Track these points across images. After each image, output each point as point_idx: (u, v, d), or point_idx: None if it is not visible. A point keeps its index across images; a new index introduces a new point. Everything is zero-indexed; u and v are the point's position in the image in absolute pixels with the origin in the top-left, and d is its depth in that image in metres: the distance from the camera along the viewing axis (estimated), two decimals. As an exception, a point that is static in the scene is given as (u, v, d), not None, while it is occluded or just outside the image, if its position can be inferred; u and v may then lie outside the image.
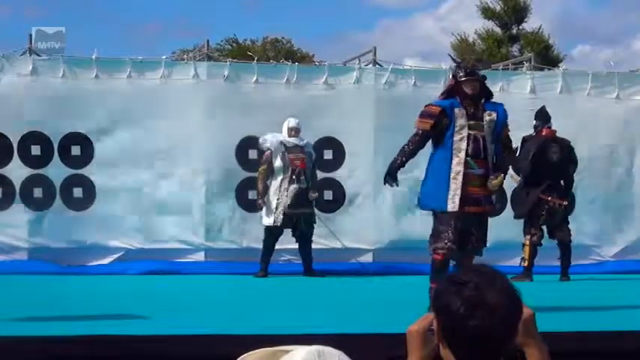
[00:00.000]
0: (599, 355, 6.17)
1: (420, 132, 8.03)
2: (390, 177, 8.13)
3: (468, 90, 7.98)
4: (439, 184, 7.91)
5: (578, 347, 6.22)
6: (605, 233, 12.61)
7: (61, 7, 50.25)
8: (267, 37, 37.50)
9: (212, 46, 20.47)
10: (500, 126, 7.98)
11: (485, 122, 7.93)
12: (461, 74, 8.06)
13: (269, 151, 11.48)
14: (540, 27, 29.55)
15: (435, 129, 7.95)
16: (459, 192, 7.82)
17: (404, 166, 8.17)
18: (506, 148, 8.29)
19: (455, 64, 8.48)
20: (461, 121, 7.93)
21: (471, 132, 7.91)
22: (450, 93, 8.10)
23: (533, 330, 2.42)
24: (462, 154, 7.88)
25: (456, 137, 7.93)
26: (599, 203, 12.55)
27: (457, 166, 7.89)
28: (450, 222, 7.80)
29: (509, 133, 8.23)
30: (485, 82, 8.18)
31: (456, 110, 7.95)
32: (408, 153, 8.11)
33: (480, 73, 8.14)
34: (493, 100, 8.21)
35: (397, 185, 8.30)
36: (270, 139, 11.53)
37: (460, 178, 7.85)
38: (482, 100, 8.04)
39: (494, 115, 7.96)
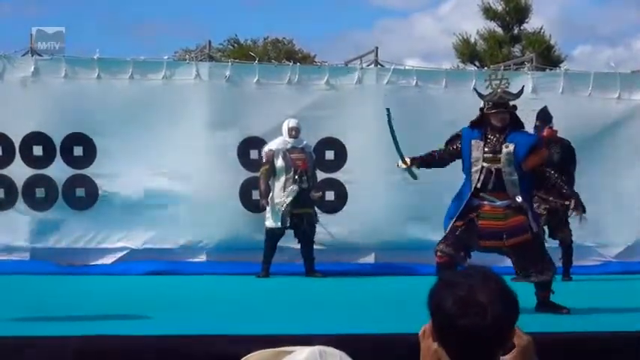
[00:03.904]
0: (600, 356, 6.17)
1: (444, 147, 8.23)
2: (401, 158, 8.26)
3: (496, 122, 7.94)
4: (454, 209, 8.00)
5: (579, 348, 6.22)
6: (606, 233, 12.61)
7: (61, 7, 50.24)
8: (267, 38, 37.50)
9: (214, 47, 20.49)
10: (519, 158, 7.85)
11: (502, 154, 7.89)
12: (487, 106, 8.02)
13: (270, 151, 11.49)
14: (542, 27, 29.53)
15: (448, 148, 8.14)
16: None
17: (420, 162, 8.25)
18: (541, 179, 8.20)
19: (482, 96, 8.34)
20: (476, 153, 7.92)
21: (485, 164, 7.90)
22: (477, 123, 8.08)
23: (532, 357, 2.40)
24: (476, 186, 7.91)
25: (473, 169, 7.95)
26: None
27: (471, 197, 7.96)
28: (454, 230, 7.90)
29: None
30: (516, 111, 8.11)
31: (473, 142, 7.96)
32: (429, 154, 8.25)
33: (509, 104, 8.04)
34: (524, 129, 8.17)
35: (403, 167, 8.35)
36: (270, 143, 11.56)
37: (472, 208, 7.91)
38: (508, 131, 7.96)
39: (511, 147, 7.86)
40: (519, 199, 7.86)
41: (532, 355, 2.40)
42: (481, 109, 8.13)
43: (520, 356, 2.34)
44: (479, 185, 7.93)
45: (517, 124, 8.10)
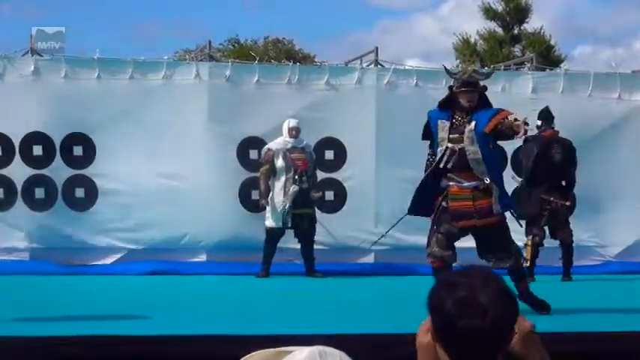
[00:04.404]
0: (600, 356, 6.17)
1: (429, 147, 8.11)
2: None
3: (464, 102, 7.82)
4: (426, 194, 7.92)
5: (578, 348, 6.22)
6: (606, 233, 12.60)
7: (61, 7, 50.22)
8: (267, 38, 37.49)
9: (214, 47, 20.48)
10: (480, 134, 7.68)
11: (465, 133, 7.79)
12: (456, 85, 7.94)
13: (270, 151, 11.49)
14: (542, 28, 29.55)
15: (427, 138, 8.02)
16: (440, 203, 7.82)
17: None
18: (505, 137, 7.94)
19: (452, 74, 8.26)
20: (442, 134, 7.84)
21: (449, 145, 7.83)
22: (446, 103, 8.01)
23: (535, 342, 2.40)
24: (444, 167, 7.85)
25: (438, 149, 7.90)
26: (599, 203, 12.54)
27: (438, 178, 7.89)
28: (433, 227, 7.88)
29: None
30: (486, 91, 8.03)
31: (439, 122, 7.89)
32: (428, 167, 8.09)
33: (479, 84, 7.93)
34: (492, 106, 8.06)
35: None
36: (270, 143, 11.56)
37: (441, 190, 7.85)
38: (474, 111, 7.81)
39: (472, 124, 7.74)
40: (487, 180, 7.77)
41: (537, 343, 2.39)
42: (450, 88, 8.06)
43: (521, 341, 2.34)
44: (447, 165, 7.82)
45: (486, 106, 7.91)
